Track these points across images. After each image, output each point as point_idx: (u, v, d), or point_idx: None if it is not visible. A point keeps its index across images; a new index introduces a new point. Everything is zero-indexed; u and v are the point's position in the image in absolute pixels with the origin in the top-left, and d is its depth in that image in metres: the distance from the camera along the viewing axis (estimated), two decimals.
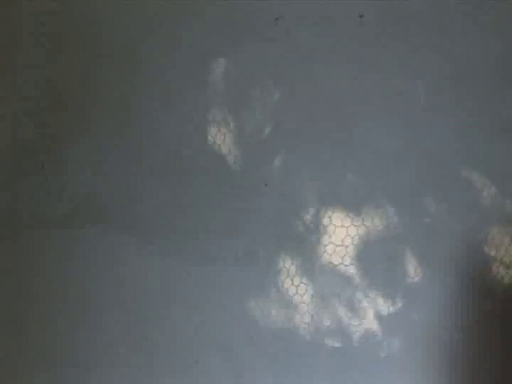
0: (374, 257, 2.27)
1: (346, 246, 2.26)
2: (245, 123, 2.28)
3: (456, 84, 2.30)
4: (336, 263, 2.26)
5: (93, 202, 2.24)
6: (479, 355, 2.26)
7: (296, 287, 2.25)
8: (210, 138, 2.28)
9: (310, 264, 2.26)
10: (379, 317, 2.26)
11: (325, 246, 2.26)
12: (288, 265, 2.26)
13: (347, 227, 2.27)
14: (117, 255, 2.24)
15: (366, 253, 2.27)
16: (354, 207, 2.28)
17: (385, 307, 2.26)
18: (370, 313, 2.26)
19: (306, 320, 2.25)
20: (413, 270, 2.26)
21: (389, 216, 2.27)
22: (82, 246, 2.23)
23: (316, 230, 2.27)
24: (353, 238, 2.27)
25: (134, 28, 2.28)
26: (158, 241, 2.25)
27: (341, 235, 2.27)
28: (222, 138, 2.28)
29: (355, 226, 2.27)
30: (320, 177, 2.28)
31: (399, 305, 2.26)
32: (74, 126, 2.26)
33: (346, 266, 2.26)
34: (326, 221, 2.27)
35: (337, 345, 2.25)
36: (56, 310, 2.22)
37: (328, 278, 2.26)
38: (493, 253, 2.27)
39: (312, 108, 2.29)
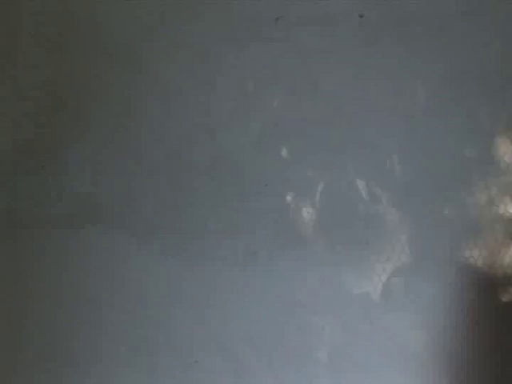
0: (373, 257, 2.27)
1: (345, 247, 2.27)
2: (245, 123, 2.28)
3: (456, 84, 2.30)
4: (334, 262, 2.27)
5: (93, 202, 2.25)
6: (479, 355, 2.26)
7: (295, 286, 2.26)
8: (209, 138, 2.28)
9: (310, 264, 2.26)
10: (379, 317, 2.26)
11: (324, 245, 2.27)
12: (288, 264, 2.26)
13: (347, 227, 2.27)
14: (117, 255, 2.24)
15: (365, 252, 2.27)
16: (353, 207, 2.28)
17: (385, 307, 2.26)
18: (370, 313, 2.26)
19: (305, 320, 2.25)
20: (413, 269, 2.26)
21: (389, 216, 2.27)
22: (82, 245, 2.23)
23: (316, 229, 2.27)
24: (352, 238, 2.27)
25: (134, 28, 2.28)
26: (158, 241, 2.25)
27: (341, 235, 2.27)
28: (221, 138, 2.28)
29: (355, 225, 2.27)
30: (320, 177, 2.28)
31: (400, 305, 2.26)
32: (74, 126, 2.26)
33: (345, 265, 2.27)
34: (325, 220, 2.27)
35: (337, 345, 2.25)
36: (56, 310, 2.22)
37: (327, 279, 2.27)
38: (492, 253, 2.27)
39: (312, 108, 2.29)
